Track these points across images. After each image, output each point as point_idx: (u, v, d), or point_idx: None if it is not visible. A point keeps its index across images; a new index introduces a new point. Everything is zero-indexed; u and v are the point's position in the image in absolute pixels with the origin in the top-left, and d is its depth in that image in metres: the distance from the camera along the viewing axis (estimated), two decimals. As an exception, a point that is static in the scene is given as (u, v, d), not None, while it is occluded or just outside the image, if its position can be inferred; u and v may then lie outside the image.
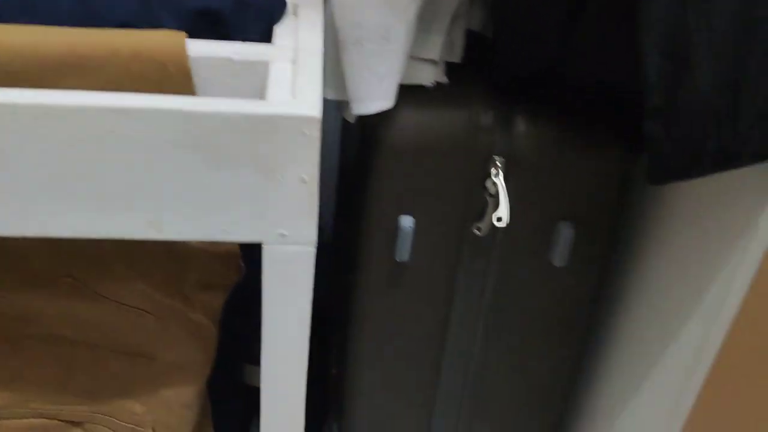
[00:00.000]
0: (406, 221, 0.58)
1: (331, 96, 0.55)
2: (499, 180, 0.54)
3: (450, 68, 0.57)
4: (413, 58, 0.55)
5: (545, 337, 0.64)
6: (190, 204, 0.42)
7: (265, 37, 0.48)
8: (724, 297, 0.49)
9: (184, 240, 0.44)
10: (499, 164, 0.54)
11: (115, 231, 0.43)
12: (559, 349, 0.65)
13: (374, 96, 0.51)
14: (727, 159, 0.45)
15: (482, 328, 0.64)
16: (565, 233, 0.58)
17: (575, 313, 0.63)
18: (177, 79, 0.44)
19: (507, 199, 0.54)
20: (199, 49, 0.44)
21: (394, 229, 0.58)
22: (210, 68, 0.45)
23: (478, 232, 0.58)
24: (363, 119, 0.57)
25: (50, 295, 0.49)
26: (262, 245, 0.45)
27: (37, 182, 0.40)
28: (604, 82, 0.52)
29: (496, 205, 0.55)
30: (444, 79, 0.56)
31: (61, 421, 0.57)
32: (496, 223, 0.54)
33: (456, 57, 0.57)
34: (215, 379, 0.62)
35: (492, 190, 0.55)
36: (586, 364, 0.74)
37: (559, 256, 0.59)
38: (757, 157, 0.45)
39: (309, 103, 0.40)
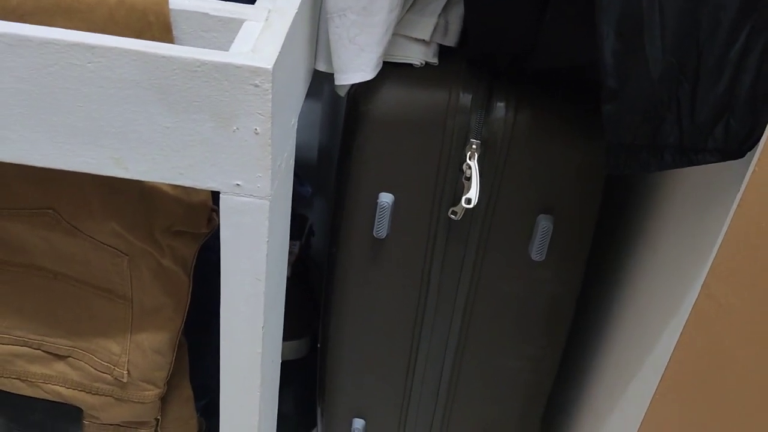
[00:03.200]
0: (386, 198, 0.59)
1: (322, 68, 0.57)
2: (473, 163, 0.55)
3: (445, 50, 0.58)
4: (405, 36, 0.56)
5: (522, 329, 0.64)
6: (151, 144, 0.44)
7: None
8: (686, 297, 0.48)
9: (148, 180, 0.47)
10: (474, 147, 0.55)
11: (84, 165, 0.46)
12: (537, 342, 0.64)
13: (354, 67, 0.53)
14: (687, 153, 0.44)
15: (459, 314, 0.64)
16: (544, 226, 0.58)
17: (553, 307, 0.62)
18: (157, 28, 0.47)
19: (478, 181, 0.54)
20: (180, 2, 0.47)
21: (374, 205, 0.59)
22: (189, 21, 0.47)
23: (453, 217, 0.58)
24: (350, 95, 0.58)
25: (33, 225, 0.52)
26: (220, 194, 0.47)
27: (14, 110, 0.43)
28: (577, 66, 0.51)
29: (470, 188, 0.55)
30: (434, 61, 0.57)
31: (45, 352, 0.60)
32: (464, 205, 0.54)
33: (451, 41, 0.58)
34: (198, 338, 0.65)
35: (468, 173, 0.55)
36: (574, 360, 0.73)
37: (537, 250, 0.59)
38: (721, 154, 0.44)
39: (264, 57, 0.42)
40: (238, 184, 0.46)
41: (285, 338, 0.85)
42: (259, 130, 0.44)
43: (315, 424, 0.96)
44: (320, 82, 0.95)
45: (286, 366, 0.86)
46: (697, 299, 0.44)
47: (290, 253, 0.90)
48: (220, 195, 0.47)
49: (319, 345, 0.74)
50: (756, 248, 0.40)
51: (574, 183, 0.56)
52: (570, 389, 0.76)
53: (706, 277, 0.43)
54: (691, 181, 0.52)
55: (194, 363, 0.66)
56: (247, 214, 0.47)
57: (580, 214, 0.58)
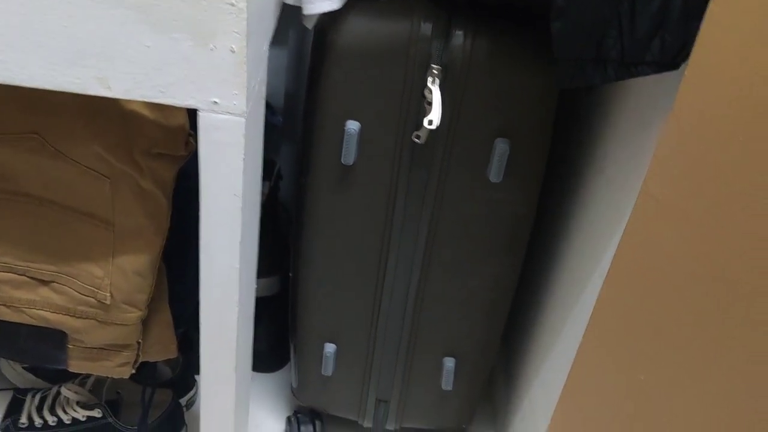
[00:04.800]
0: (352, 125, 0.62)
1: (291, 1, 0.60)
2: (435, 87, 0.58)
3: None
4: (368, -30, 0.60)
5: (483, 249, 0.68)
6: (133, 63, 0.47)
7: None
8: (628, 199, 0.53)
9: (130, 99, 0.49)
10: (435, 72, 0.58)
11: (70, 84, 0.48)
12: (497, 261, 0.69)
13: (321, -4, 0.56)
14: (628, 66, 0.48)
15: (423, 236, 0.68)
16: (501, 149, 0.62)
17: (512, 227, 0.67)
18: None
19: (440, 104, 0.58)
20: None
21: (341, 132, 0.63)
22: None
23: (417, 140, 0.62)
24: (317, 26, 0.62)
25: (18, 150, 0.55)
26: (198, 113, 0.50)
27: (3, 32, 0.46)
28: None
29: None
30: (397, -7, 0.61)
31: (30, 278, 0.63)
32: (426, 126, 0.58)
33: (412, -25, 0.61)
34: (176, 266, 0.68)
35: (429, 98, 0.59)
36: (532, 277, 0.78)
37: (494, 172, 0.63)
38: (656, 66, 0.48)
39: (238, -23, 0.45)
40: (215, 102, 0.49)
41: (257, 275, 0.88)
42: (235, 49, 0.47)
43: (288, 360, 1.00)
44: (286, 30, 0.98)
45: (258, 303, 0.90)
46: (637, 199, 0.49)
47: (260, 192, 0.93)
48: (198, 113, 0.50)
49: (290, 274, 0.78)
50: (688, 147, 0.45)
51: (529, 107, 0.60)
52: (527, 306, 0.81)
53: (645, 178, 0.48)
54: (631, 97, 0.56)
55: (171, 291, 0.69)
56: (224, 131, 0.50)
57: (535, 137, 0.62)
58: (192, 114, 0.52)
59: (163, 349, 0.71)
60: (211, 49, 0.47)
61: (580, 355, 0.61)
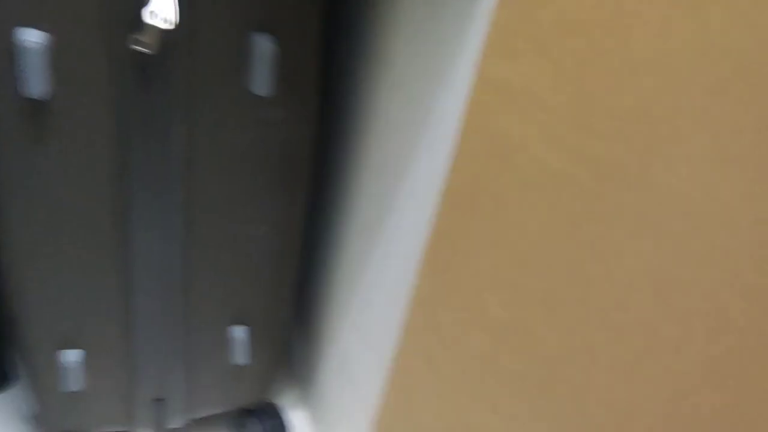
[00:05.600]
0: (32, 36, 0.40)
1: None
2: (154, -38, 0.39)
3: None
4: None
5: (256, 189, 0.52)
6: None
7: None
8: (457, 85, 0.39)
9: None
10: (150, -62, 0.39)
11: None
12: (276, 201, 0.53)
13: None
14: None
15: (176, 183, 0.49)
16: (262, 48, 0.45)
17: (289, 155, 0.51)
18: None
19: (167, -13, 0.39)
20: None
21: (13, 49, 0.41)
22: None
23: (144, 49, 0.42)
24: None
25: None
26: None
27: None
28: None
29: (157, 2, 0.39)
30: None
31: None
32: (152, 23, 0.38)
33: None
34: None
35: (148, -20, 0.39)
36: (324, 218, 0.64)
37: (258, 81, 0.46)
38: None
39: None
40: None
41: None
42: None
43: (7, 380, 0.76)
44: None
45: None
46: (475, 86, 0.36)
47: None
48: None
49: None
50: (528, 21, 0.32)
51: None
52: (323, 252, 0.67)
53: (480, 59, 0.35)
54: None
55: None
56: None
57: (305, 27, 0.46)
58: None
59: None
60: None
61: (417, 295, 0.48)
